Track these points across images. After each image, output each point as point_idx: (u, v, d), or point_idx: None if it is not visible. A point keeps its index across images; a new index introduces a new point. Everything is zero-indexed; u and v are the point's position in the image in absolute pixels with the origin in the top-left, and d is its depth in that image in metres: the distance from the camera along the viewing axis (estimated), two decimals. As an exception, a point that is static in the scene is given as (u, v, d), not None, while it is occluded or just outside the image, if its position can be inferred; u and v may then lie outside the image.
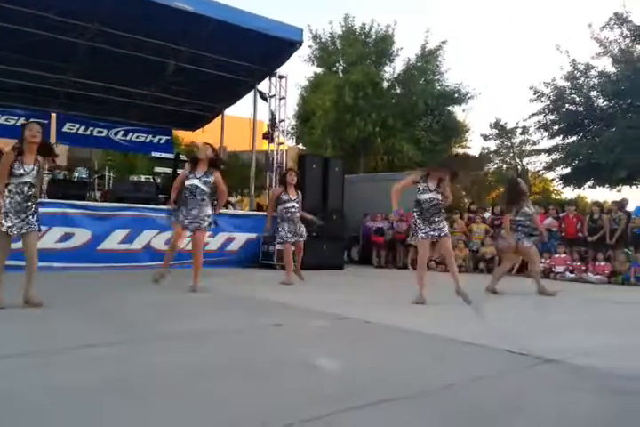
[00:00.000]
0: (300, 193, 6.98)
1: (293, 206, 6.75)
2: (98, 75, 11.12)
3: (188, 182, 5.55)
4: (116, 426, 1.71)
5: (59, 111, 12.65)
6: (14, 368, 2.36)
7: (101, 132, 13.13)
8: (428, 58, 18.06)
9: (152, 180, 11.39)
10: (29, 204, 4.10)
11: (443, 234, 5.21)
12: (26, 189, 4.07)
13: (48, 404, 1.90)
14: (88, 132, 12.93)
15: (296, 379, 2.29)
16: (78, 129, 12.82)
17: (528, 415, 1.92)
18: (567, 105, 17.95)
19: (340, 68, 18.60)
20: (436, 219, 5.23)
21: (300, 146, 21.54)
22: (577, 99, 17.84)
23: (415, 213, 5.42)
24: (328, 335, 3.44)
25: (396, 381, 2.31)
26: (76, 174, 10.17)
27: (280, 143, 12.02)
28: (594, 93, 17.61)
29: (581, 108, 17.78)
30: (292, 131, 20.38)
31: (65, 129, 12.66)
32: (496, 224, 10.67)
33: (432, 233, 5.21)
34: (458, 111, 19.25)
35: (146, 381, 2.22)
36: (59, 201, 7.76)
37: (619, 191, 18.05)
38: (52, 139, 12.52)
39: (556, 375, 2.49)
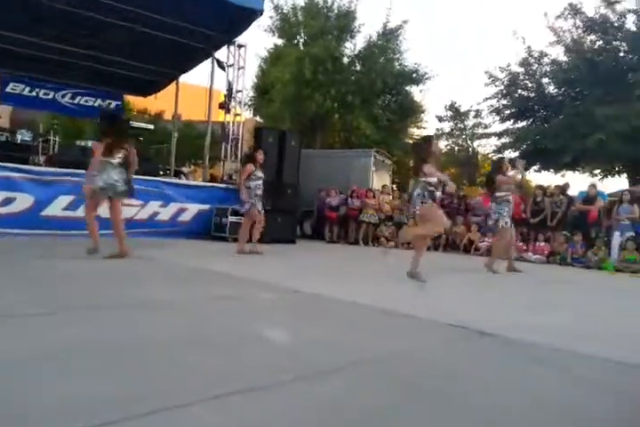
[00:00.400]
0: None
1: (262, 183, 7.16)
2: (45, 33, 10.48)
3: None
4: (54, 396, 1.70)
5: (3, 71, 11.92)
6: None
7: (48, 94, 12.50)
8: (389, 36, 18.00)
9: (101, 146, 10.96)
10: None
11: None
12: None
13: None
14: (34, 94, 12.29)
15: (251, 351, 2.32)
16: (23, 90, 12.18)
17: (467, 381, 2.06)
18: (519, 90, 18.44)
19: (302, 40, 18.29)
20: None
21: (258, 118, 21.21)
22: (529, 85, 18.35)
23: (494, 204, 6.58)
24: (279, 308, 3.49)
25: (342, 351, 2.39)
26: (19, 137, 9.67)
27: (237, 114, 11.82)
28: (545, 80, 18.16)
29: (533, 94, 18.31)
30: (250, 102, 20.03)
31: (8, 89, 11.99)
32: (444, 204, 10.98)
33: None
34: (415, 91, 19.40)
35: (85, 352, 2.17)
36: (1, 164, 7.40)
37: (562, 176, 18.87)
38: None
39: (492, 347, 2.65)
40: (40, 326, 2.48)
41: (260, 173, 7.17)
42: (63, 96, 12.80)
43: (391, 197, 11.76)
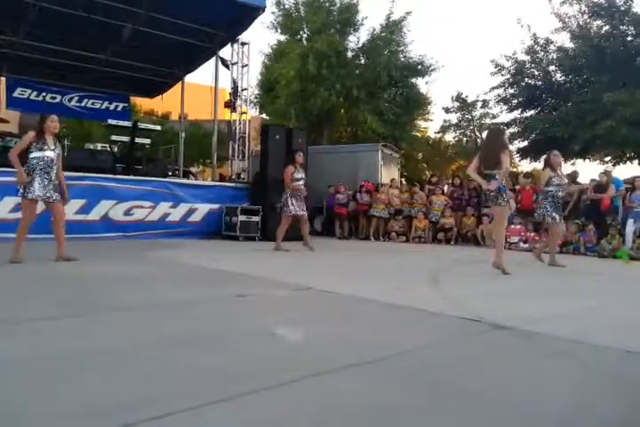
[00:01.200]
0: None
1: (302, 184, 7.52)
2: (51, 37, 10.58)
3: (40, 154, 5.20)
4: (73, 395, 1.72)
5: (9, 75, 12.03)
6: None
7: (55, 97, 12.60)
8: (393, 28, 17.89)
9: (109, 148, 11.04)
10: None
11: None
12: None
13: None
14: (40, 98, 12.39)
15: (264, 349, 2.33)
16: (30, 94, 12.28)
17: (480, 376, 2.04)
18: (526, 79, 18.24)
19: (305, 36, 18.24)
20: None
21: (264, 115, 21.21)
22: (536, 73, 18.14)
23: (547, 201, 6.39)
24: (291, 305, 3.50)
25: (356, 348, 2.39)
26: (29, 142, 9.73)
27: (243, 112, 11.83)
28: (552, 68, 17.94)
29: (540, 83, 18.11)
30: (255, 100, 20.04)
31: (16, 94, 12.10)
32: (455, 196, 10.94)
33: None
34: (421, 83, 19.35)
35: (103, 353, 2.22)
36: (11, 170, 7.44)
37: (573, 164, 18.69)
38: (2, 105, 11.95)
39: (508, 341, 2.63)
40: (66, 329, 2.52)
41: (299, 175, 7.47)
42: (70, 100, 12.89)
43: (399, 190, 11.72)
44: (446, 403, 1.76)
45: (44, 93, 12.45)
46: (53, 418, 1.53)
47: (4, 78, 11.98)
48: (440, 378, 2.02)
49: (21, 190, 5.10)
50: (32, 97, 12.31)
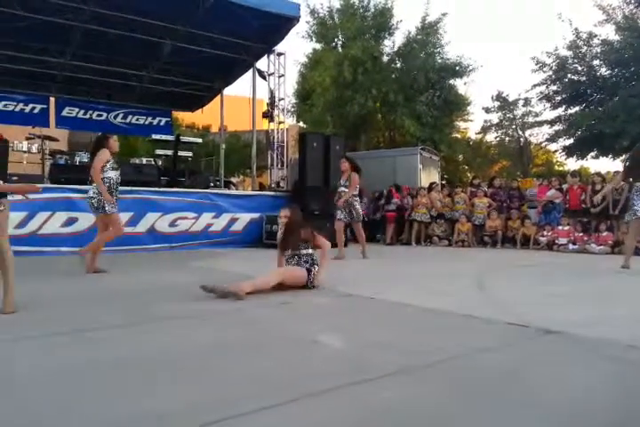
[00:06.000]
0: (351, 177, 7.37)
1: (342, 190, 7.38)
2: (95, 57, 11.08)
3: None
4: (131, 400, 1.77)
5: (57, 95, 12.60)
6: (18, 350, 2.43)
7: (101, 115, 13.11)
8: (429, 30, 17.73)
9: (153, 162, 11.37)
10: None
11: None
12: None
13: (54, 383, 1.97)
14: (87, 116, 12.92)
15: (308, 356, 2.35)
16: (77, 113, 12.82)
17: (532, 385, 1.98)
18: (569, 75, 17.71)
19: (339, 43, 18.32)
20: None
21: (301, 124, 21.39)
22: (579, 68, 17.59)
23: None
24: (335, 312, 3.50)
25: (400, 355, 2.36)
26: (77, 159, 10.14)
27: (280, 122, 11.97)
28: (596, 62, 17.35)
29: (584, 78, 17.54)
30: (292, 109, 20.22)
31: (64, 113, 12.65)
32: (496, 199, 10.66)
33: None
34: (459, 84, 19.01)
35: (156, 360, 2.28)
36: (61, 186, 7.80)
37: (622, 161, 17.94)
38: (52, 124, 12.51)
39: (558, 347, 2.54)
40: (119, 338, 2.62)
41: (341, 181, 7.49)
42: (115, 117, 13.38)
43: (441, 194, 11.53)
44: (497, 410, 1.71)
45: (90, 111, 12.97)
46: (127, 419, 1.58)
47: (53, 98, 12.54)
48: (487, 385, 1.97)
49: (108, 207, 5.39)
50: (79, 115, 12.85)
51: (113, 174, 5.46)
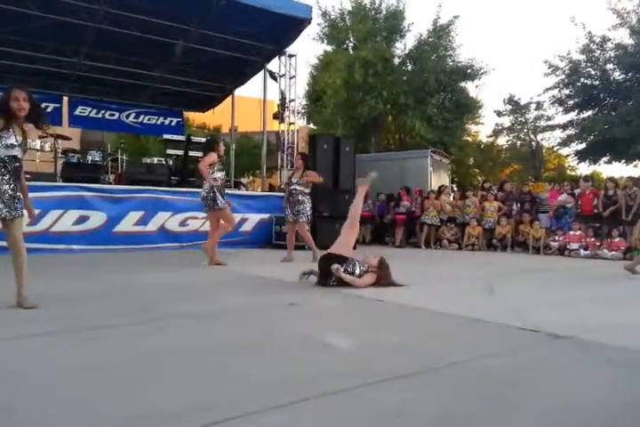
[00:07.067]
0: (304, 174, 7.17)
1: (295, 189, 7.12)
2: (108, 57, 11.17)
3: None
4: (139, 399, 1.78)
5: (70, 95, 12.71)
6: (30, 347, 2.45)
7: (113, 114, 13.21)
8: (440, 33, 17.68)
9: (164, 162, 11.43)
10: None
11: None
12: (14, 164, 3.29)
13: (63, 382, 1.98)
14: (100, 116, 13.02)
15: (316, 357, 2.34)
16: (90, 112, 12.92)
17: (541, 390, 1.96)
18: (582, 79, 17.58)
19: (350, 45, 18.33)
20: None
21: (311, 125, 21.41)
22: (592, 72, 17.46)
23: None
24: (342, 314, 3.50)
25: (409, 357, 2.35)
26: (90, 157, 10.21)
27: (291, 123, 11.99)
28: (610, 66, 17.21)
29: (597, 82, 17.41)
30: (303, 110, 20.26)
31: (77, 112, 12.76)
32: (507, 203, 10.58)
33: None
34: (470, 87, 18.95)
35: (164, 358, 2.29)
36: (74, 184, 7.86)
37: (635, 166, 17.82)
38: (65, 122, 12.62)
39: (568, 352, 2.52)
40: (128, 336, 2.63)
41: (292, 179, 7.47)
42: (127, 116, 13.47)
43: (452, 197, 11.49)
44: (505, 414, 1.70)
45: (103, 111, 13.07)
46: (134, 418, 1.59)
47: (66, 98, 12.65)
48: (496, 389, 1.95)
49: (220, 204, 6.04)
50: (92, 115, 12.95)
51: (220, 175, 6.10)
